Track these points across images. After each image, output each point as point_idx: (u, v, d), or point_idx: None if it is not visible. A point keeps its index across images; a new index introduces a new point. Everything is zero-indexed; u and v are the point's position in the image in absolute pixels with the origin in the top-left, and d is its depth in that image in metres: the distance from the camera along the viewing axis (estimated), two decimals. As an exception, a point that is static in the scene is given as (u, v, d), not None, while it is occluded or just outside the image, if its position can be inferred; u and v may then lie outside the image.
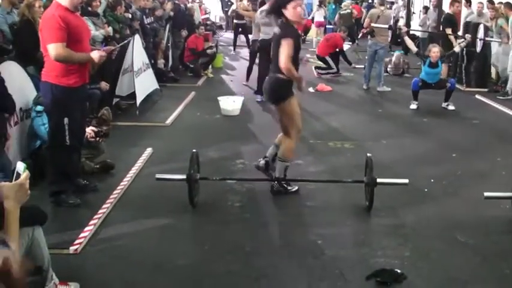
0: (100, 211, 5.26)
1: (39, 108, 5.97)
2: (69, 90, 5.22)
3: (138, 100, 9.33)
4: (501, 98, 11.13)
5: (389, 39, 12.62)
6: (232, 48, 19.09)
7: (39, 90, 5.74)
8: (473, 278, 4.22)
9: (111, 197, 5.64)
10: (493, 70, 12.72)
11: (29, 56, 6.60)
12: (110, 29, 9.30)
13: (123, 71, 9.43)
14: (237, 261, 4.43)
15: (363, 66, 13.42)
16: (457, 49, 11.08)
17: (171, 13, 13.29)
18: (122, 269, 4.30)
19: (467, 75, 12.71)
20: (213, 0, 27.52)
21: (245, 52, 18.20)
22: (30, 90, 6.31)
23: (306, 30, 21.05)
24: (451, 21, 12.76)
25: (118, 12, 10.00)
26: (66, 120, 5.24)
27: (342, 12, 19.71)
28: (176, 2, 14.36)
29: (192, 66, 13.89)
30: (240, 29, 19.04)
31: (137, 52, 9.60)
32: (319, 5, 22.05)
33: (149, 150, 7.22)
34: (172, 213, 5.35)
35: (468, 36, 11.25)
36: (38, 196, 5.56)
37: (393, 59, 14.36)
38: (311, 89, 11.94)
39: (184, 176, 5.33)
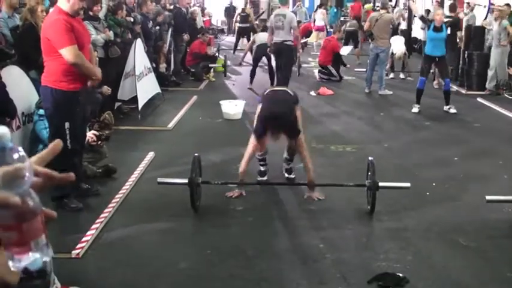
0: (102, 215, 5.26)
1: (41, 112, 5.97)
2: (69, 94, 5.23)
3: (140, 104, 9.34)
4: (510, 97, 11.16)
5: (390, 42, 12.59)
6: (232, 51, 19.10)
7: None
8: (476, 281, 4.22)
9: (113, 201, 5.64)
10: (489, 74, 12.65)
11: (31, 60, 6.61)
12: (110, 33, 9.31)
13: (125, 75, 9.45)
14: (238, 264, 4.43)
15: (364, 69, 13.42)
16: (461, 15, 11.11)
17: (172, 21, 13.31)
18: (123, 273, 4.30)
19: (469, 79, 12.71)
20: (214, 4, 27.57)
21: (247, 56, 18.24)
22: (33, 95, 6.32)
23: (308, 33, 20.99)
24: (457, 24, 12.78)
25: (119, 16, 10.01)
26: (67, 124, 5.25)
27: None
28: (177, 5, 14.37)
29: (193, 70, 13.92)
30: (242, 33, 19.09)
31: (139, 56, 9.62)
32: (318, 8, 21.94)
33: (151, 154, 7.22)
34: (174, 217, 5.36)
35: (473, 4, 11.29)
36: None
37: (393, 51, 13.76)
38: (313, 93, 11.95)
39: (186, 180, 5.33)
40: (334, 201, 5.80)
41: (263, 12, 28.47)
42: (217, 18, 28.68)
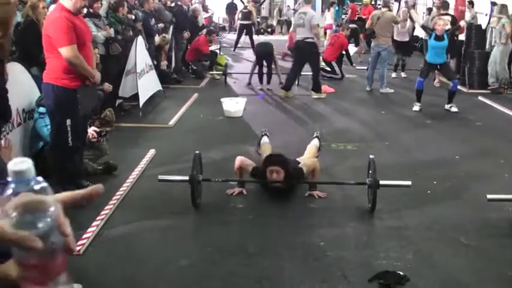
0: (103, 212, 5.26)
1: (41, 109, 5.97)
2: (71, 91, 5.23)
3: (141, 101, 9.34)
4: None
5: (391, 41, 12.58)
6: (232, 48, 19.09)
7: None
8: (477, 280, 4.22)
9: (114, 198, 5.64)
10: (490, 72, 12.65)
11: (32, 56, 6.61)
12: (111, 31, 9.31)
13: (126, 72, 9.45)
14: (239, 262, 4.43)
15: (365, 67, 13.41)
16: (462, 23, 11.13)
17: (173, 19, 13.31)
18: (124, 270, 4.30)
19: (470, 77, 12.70)
20: (216, 1, 27.55)
21: (248, 53, 18.24)
22: (34, 92, 6.31)
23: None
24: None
25: (120, 13, 10.00)
26: (68, 121, 5.25)
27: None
28: (179, 3, 14.36)
29: (194, 67, 13.91)
30: (244, 30, 19.06)
31: (140, 53, 9.62)
32: (330, 7, 21.75)
33: (152, 151, 7.22)
34: (174, 214, 5.36)
35: (473, 10, 11.26)
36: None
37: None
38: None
39: (187, 178, 5.33)
40: (335, 199, 5.80)
41: (263, 1, 28.42)
42: (219, 16, 28.68)
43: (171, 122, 9.05)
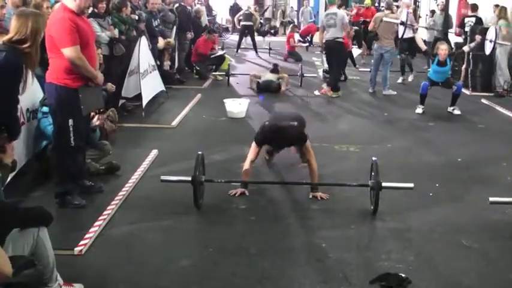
0: (105, 212, 5.27)
1: (45, 109, 5.98)
2: (73, 91, 5.24)
3: (144, 102, 9.35)
4: None
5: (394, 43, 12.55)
6: (235, 49, 19.12)
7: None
8: (478, 282, 4.21)
9: (116, 198, 5.65)
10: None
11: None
12: (115, 31, 9.32)
13: (129, 72, 9.46)
14: (241, 263, 4.43)
15: (368, 69, 13.41)
16: (466, 49, 11.12)
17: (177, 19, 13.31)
18: (126, 270, 4.30)
19: (473, 79, 12.69)
20: (219, 3, 27.59)
21: (251, 55, 18.27)
22: (37, 91, 6.32)
23: (311, 34, 20.93)
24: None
25: (124, 13, 10.01)
26: (70, 121, 5.26)
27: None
28: (182, 3, 14.37)
29: (198, 68, 13.92)
30: (246, 31, 19.06)
31: (143, 54, 9.63)
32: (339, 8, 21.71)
33: (155, 151, 7.23)
34: (177, 215, 5.36)
35: (478, 37, 11.24)
36: (43, 197, 5.60)
37: None
38: (316, 92, 11.94)
39: (189, 178, 5.34)
40: (337, 201, 5.80)
41: (267, 8, 28.51)
42: (222, 17, 28.70)
43: (174, 123, 9.05)
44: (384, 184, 5.27)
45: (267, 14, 30.67)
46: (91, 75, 5.34)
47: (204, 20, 16.29)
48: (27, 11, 4.81)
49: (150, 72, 10.09)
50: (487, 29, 12.29)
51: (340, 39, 11.63)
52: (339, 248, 4.70)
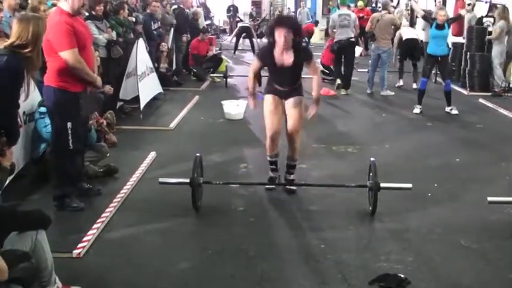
0: (103, 215, 5.26)
1: (42, 109, 5.97)
2: (71, 94, 5.24)
3: (142, 104, 9.34)
4: None
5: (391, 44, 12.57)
6: (232, 51, 19.11)
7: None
8: (477, 282, 4.21)
9: (115, 200, 5.65)
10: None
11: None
12: (113, 33, 9.32)
13: (127, 74, 9.45)
14: (240, 265, 4.42)
15: (366, 70, 13.41)
16: (463, 12, 11.19)
17: (174, 21, 13.31)
18: (125, 272, 4.30)
19: (471, 79, 12.71)
20: (217, 4, 27.58)
21: (248, 56, 18.25)
22: (35, 94, 6.31)
23: (309, 34, 20.93)
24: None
25: (121, 16, 10.01)
26: (69, 124, 5.25)
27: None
28: (180, 6, 14.37)
29: (195, 70, 13.92)
30: (244, 33, 19.06)
31: (141, 56, 9.62)
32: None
33: (153, 154, 7.23)
34: (175, 217, 5.36)
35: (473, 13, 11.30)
36: (41, 200, 5.60)
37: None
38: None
39: (187, 180, 5.33)
40: (336, 202, 5.80)
41: (265, 17, 28.52)
42: (219, 18, 28.69)
43: (172, 125, 9.05)
44: (382, 185, 5.26)
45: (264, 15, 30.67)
46: (89, 78, 5.33)
47: (202, 22, 16.30)
48: (28, 16, 4.81)
49: (148, 74, 10.09)
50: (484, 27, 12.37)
51: (353, 39, 12.30)
52: (337, 249, 4.70)
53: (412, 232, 5.08)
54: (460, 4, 15.69)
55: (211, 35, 18.09)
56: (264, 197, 5.92)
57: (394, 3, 19.29)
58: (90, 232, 4.87)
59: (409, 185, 5.46)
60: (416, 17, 21.24)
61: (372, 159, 5.56)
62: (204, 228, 5.21)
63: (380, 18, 12.20)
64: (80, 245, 4.60)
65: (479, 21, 13.36)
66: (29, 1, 7.60)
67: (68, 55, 5.08)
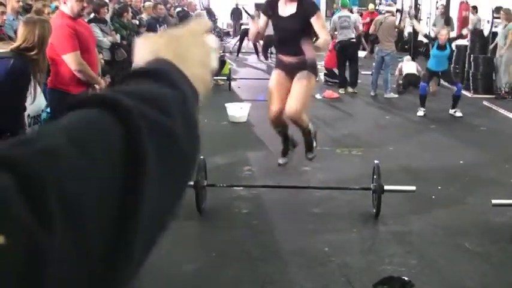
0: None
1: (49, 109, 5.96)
2: (74, 97, 5.25)
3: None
4: None
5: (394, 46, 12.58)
6: (236, 54, 19.14)
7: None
8: (481, 285, 4.21)
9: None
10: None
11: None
12: (117, 36, 9.34)
13: (130, 77, 9.46)
14: (243, 267, 4.43)
15: (369, 72, 13.41)
16: (464, 31, 11.15)
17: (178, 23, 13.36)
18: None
19: (474, 82, 12.69)
20: (221, 6, 27.61)
21: (252, 59, 18.27)
22: (40, 97, 6.30)
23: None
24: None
25: (125, 18, 10.04)
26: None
27: None
28: (185, 9, 14.42)
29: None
30: (247, 35, 19.06)
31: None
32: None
33: (156, 156, 7.22)
34: (179, 219, 5.36)
35: (476, 17, 11.27)
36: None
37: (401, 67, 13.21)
38: (318, 96, 11.94)
39: (191, 183, 5.33)
40: (340, 204, 5.80)
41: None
42: (223, 21, 28.70)
43: (176, 127, 9.04)
44: (386, 187, 5.26)
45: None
46: (93, 81, 5.35)
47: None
48: (34, 18, 4.84)
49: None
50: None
51: (354, 40, 12.83)
52: (341, 252, 4.70)
53: (416, 235, 5.08)
54: (464, 7, 15.72)
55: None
56: (267, 199, 5.92)
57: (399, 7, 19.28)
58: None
59: (413, 188, 5.46)
60: (421, 19, 21.31)
61: (375, 161, 5.56)
62: (207, 231, 5.22)
63: (383, 20, 12.21)
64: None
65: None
66: (33, 4, 7.63)
67: (70, 58, 5.10)
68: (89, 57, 5.29)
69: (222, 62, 14.61)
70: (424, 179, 6.48)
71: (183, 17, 13.88)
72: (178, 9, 14.49)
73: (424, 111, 10.17)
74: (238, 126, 9.32)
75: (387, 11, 12.84)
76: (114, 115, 0.57)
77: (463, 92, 12.37)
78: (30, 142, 0.52)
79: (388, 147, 8.08)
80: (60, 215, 0.47)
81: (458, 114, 10.11)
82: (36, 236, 0.45)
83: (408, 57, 13.84)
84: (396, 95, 12.14)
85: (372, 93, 12.33)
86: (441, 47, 9.93)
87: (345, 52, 12.68)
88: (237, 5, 26.18)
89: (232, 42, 23.71)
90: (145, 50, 0.81)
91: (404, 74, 12.81)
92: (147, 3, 12.55)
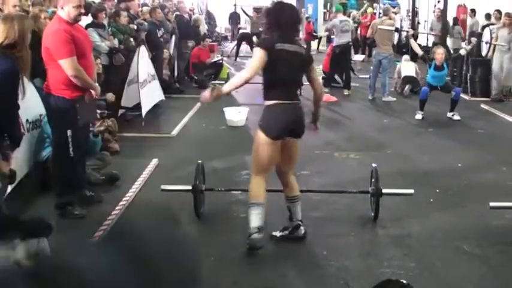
0: (105, 223, 5.26)
1: None
2: (71, 102, 5.25)
3: (144, 111, 9.35)
4: None
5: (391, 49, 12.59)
6: (234, 58, 19.13)
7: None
8: (480, 288, 4.21)
9: (117, 208, 5.65)
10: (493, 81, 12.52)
11: (35, 68, 6.61)
12: (115, 41, 9.34)
13: (128, 82, 9.46)
14: (242, 272, 4.43)
15: (367, 76, 13.43)
16: (462, 52, 11.11)
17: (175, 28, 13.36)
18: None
19: (472, 85, 12.70)
20: (219, 11, 27.64)
21: (249, 63, 18.25)
22: (37, 102, 6.33)
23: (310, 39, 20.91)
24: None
25: (119, 23, 10.00)
26: (69, 132, 5.26)
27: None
28: (178, 13, 14.40)
29: (196, 77, 13.93)
30: (245, 39, 19.08)
31: (143, 63, 9.64)
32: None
33: (155, 161, 7.23)
34: (177, 224, 5.34)
35: (474, 39, 11.25)
36: (43, 208, 5.59)
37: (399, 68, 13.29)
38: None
39: (189, 187, 5.34)
40: (338, 208, 5.80)
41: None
42: (221, 26, 28.73)
43: (174, 132, 9.06)
44: (384, 190, 5.27)
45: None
46: (89, 86, 5.35)
47: (203, 28, 16.34)
48: (12, 15, 4.85)
49: (150, 81, 10.10)
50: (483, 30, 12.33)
51: (351, 43, 13.56)
52: (340, 255, 4.70)
53: (414, 238, 5.08)
54: (461, 10, 15.75)
55: (213, 41, 18.11)
56: (266, 203, 5.91)
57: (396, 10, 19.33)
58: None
59: (411, 191, 5.47)
60: (419, 23, 21.34)
61: (373, 165, 5.56)
62: (206, 235, 5.21)
63: (380, 24, 12.23)
64: (82, 253, 4.60)
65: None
66: (30, 9, 7.62)
67: (66, 63, 5.09)
68: (85, 63, 5.28)
69: (220, 66, 14.64)
70: (422, 182, 6.49)
71: (179, 21, 13.85)
72: (176, 13, 14.46)
73: (422, 114, 10.18)
74: (237, 130, 9.32)
75: (384, 15, 12.84)
76: None
77: (461, 95, 12.39)
78: None
79: (386, 150, 8.08)
80: None
81: (457, 117, 10.12)
82: None
83: (407, 56, 13.84)
84: (394, 99, 12.14)
85: (370, 97, 12.34)
86: (438, 68, 9.94)
87: (343, 55, 12.95)
88: (235, 8, 26.25)
89: (230, 46, 23.74)
90: None
91: (402, 76, 12.83)
92: (145, 8, 12.58)
